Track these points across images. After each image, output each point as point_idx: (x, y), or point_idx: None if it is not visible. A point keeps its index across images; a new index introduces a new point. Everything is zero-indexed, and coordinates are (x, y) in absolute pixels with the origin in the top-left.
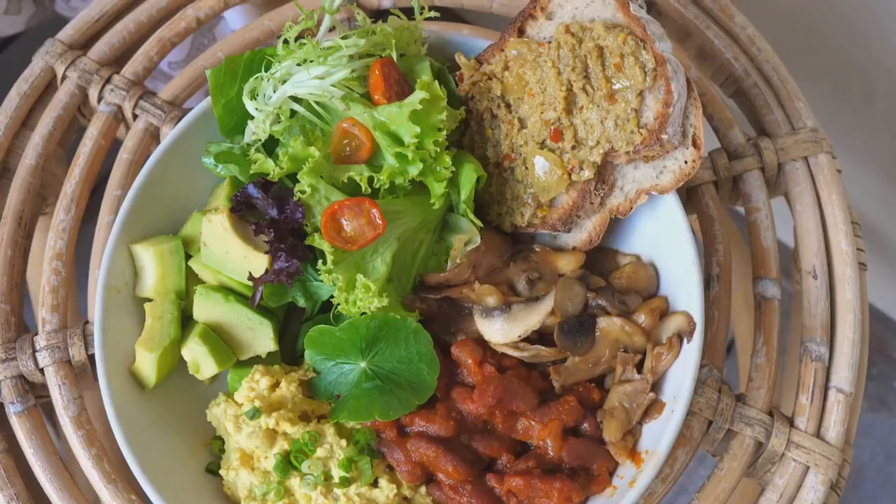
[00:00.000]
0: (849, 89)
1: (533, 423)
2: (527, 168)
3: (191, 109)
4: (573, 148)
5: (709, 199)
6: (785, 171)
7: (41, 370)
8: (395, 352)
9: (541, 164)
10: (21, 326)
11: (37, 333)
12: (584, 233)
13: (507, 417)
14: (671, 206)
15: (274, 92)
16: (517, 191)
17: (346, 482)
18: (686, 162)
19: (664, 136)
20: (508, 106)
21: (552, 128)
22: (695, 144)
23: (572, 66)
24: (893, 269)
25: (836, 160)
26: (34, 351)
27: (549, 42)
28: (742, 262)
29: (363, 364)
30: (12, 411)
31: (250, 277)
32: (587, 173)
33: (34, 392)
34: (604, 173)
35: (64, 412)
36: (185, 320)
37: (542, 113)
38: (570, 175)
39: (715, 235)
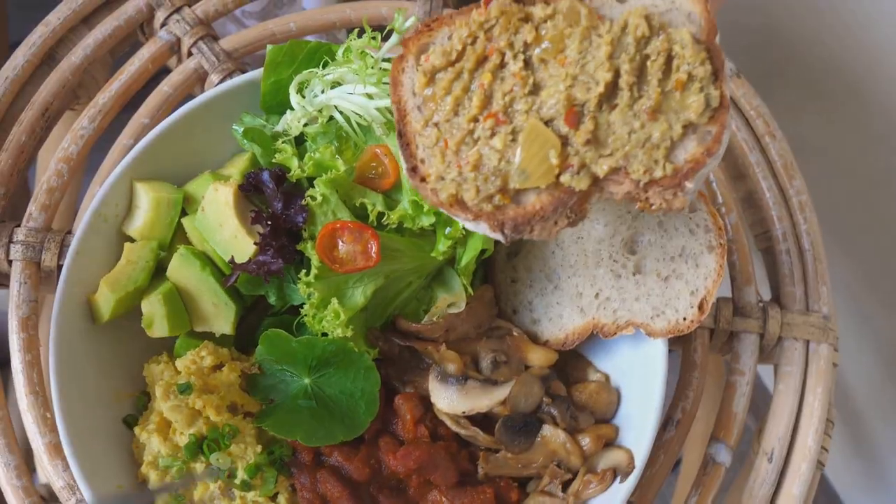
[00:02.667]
0: (883, 281)
1: (444, 500)
2: (513, 140)
3: (244, 67)
4: (586, 143)
5: (699, 344)
6: (783, 346)
7: (9, 262)
8: (341, 381)
9: (533, 143)
10: (8, 213)
11: (19, 225)
12: (563, 333)
13: (421, 485)
14: (657, 347)
15: (322, 93)
16: (486, 160)
17: (246, 486)
18: (685, 319)
19: (688, 185)
20: (526, 62)
21: (573, 107)
22: (700, 308)
23: (630, 57)
24: (857, 451)
25: (837, 353)
26: (10, 241)
27: (612, 21)
28: (715, 396)
29: (306, 380)
30: None
31: (231, 261)
32: (582, 182)
33: None
34: (587, 197)
35: (16, 310)
36: (158, 271)
37: (570, 86)
38: (560, 173)
39: (690, 381)
